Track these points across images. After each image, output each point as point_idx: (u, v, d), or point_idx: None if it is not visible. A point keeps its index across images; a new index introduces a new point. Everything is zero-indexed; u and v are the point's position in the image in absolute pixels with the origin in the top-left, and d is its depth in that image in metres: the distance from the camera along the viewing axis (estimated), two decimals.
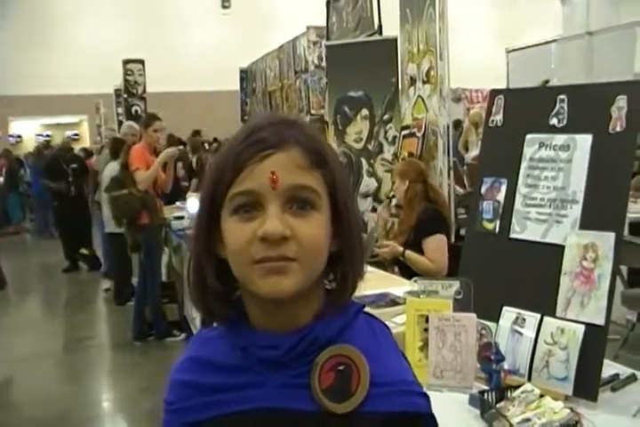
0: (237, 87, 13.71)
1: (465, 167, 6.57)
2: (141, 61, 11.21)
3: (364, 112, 5.23)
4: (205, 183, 0.84)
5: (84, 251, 8.74)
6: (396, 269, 3.67)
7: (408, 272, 3.39)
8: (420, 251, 3.47)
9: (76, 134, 17.45)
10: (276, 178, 0.77)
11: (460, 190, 5.68)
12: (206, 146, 11.59)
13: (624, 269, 4.16)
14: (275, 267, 0.77)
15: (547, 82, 7.88)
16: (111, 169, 6.33)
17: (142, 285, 5.47)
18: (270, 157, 0.78)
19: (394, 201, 4.55)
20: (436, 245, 3.46)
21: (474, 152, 6.35)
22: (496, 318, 1.97)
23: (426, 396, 0.85)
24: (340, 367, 0.81)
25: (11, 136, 17.41)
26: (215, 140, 12.45)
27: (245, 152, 0.79)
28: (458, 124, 8.68)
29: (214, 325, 0.89)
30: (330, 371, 0.81)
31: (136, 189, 5.10)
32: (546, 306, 1.87)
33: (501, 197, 2.17)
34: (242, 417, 0.82)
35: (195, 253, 0.85)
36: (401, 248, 3.48)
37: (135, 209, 5.13)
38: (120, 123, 10.57)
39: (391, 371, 0.84)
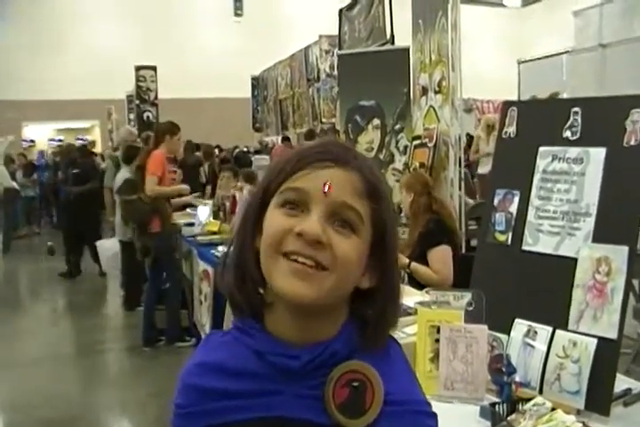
0: (249, 95, 13.79)
1: (475, 179, 6.57)
2: (153, 68, 11.31)
3: (376, 122, 5.24)
4: (263, 176, 0.88)
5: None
6: (406, 279, 3.67)
7: (418, 283, 3.38)
8: (427, 263, 3.47)
9: (84, 139, 17.55)
10: (331, 187, 0.81)
11: (471, 201, 5.67)
12: (217, 152, 11.61)
13: (635, 283, 4.14)
14: (303, 271, 0.79)
15: (556, 95, 7.88)
16: (123, 175, 6.38)
17: (152, 290, 5.49)
18: (331, 168, 0.82)
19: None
20: (440, 257, 3.46)
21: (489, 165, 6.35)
22: (507, 330, 1.97)
23: (435, 416, 0.87)
24: (355, 383, 0.82)
25: (24, 140, 17.54)
26: (219, 148, 12.37)
27: (311, 157, 0.83)
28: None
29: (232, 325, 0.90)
30: (344, 386, 0.82)
31: (145, 195, 5.13)
32: (558, 319, 1.86)
33: (514, 208, 2.17)
34: (254, 424, 0.83)
35: (239, 239, 0.87)
36: (406, 260, 3.48)
37: (145, 215, 5.15)
38: None
39: (403, 390, 0.85)
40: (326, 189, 0.80)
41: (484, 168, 7.40)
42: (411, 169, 4.80)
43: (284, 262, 0.80)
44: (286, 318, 0.84)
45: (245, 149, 12.72)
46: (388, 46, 5.91)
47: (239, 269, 0.86)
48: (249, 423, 0.83)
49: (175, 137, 5.29)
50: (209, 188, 8.31)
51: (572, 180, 2.01)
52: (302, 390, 0.83)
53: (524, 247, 2.10)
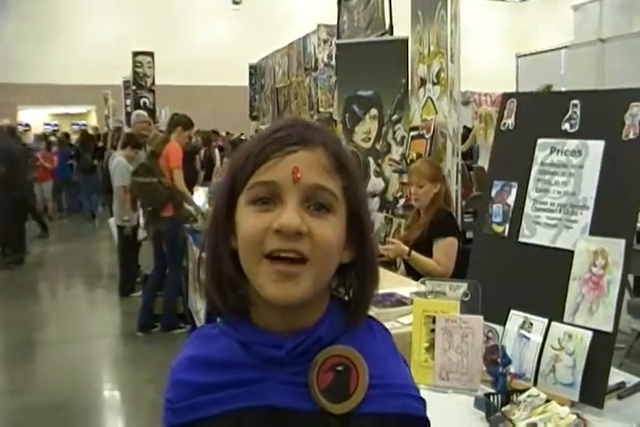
0: (246, 83, 13.70)
1: (471, 172, 6.55)
2: (151, 54, 11.23)
3: (373, 112, 5.22)
4: (226, 171, 0.85)
5: None
6: (402, 267, 3.64)
7: (416, 273, 3.36)
8: (428, 252, 3.41)
9: (85, 124, 17.52)
10: (299, 173, 0.78)
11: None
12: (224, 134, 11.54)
13: (630, 277, 4.15)
14: (286, 270, 0.77)
15: (549, 87, 7.84)
16: (119, 159, 6.39)
17: (156, 276, 5.49)
18: (296, 152, 0.79)
19: (401, 201, 4.55)
20: (447, 248, 3.39)
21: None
22: (503, 322, 1.97)
23: (422, 400, 0.86)
24: (339, 368, 0.81)
25: (19, 125, 17.44)
26: (226, 133, 12.27)
27: (272, 145, 0.80)
28: None
29: (218, 319, 0.89)
30: (329, 371, 0.81)
31: (165, 179, 5.15)
32: (554, 311, 1.87)
33: (511, 200, 2.17)
34: (242, 414, 0.82)
35: (211, 241, 0.85)
36: (406, 248, 3.40)
37: (162, 198, 5.17)
38: (128, 114, 10.60)
39: (390, 374, 0.85)
40: (296, 176, 0.78)
41: (483, 160, 7.38)
42: (408, 160, 4.78)
43: (268, 267, 0.77)
44: (271, 312, 0.82)
45: (243, 137, 12.69)
46: (387, 37, 5.87)
47: (214, 271, 0.84)
48: (237, 414, 0.82)
49: (186, 132, 5.36)
50: (202, 174, 8.32)
51: (569, 172, 2.01)
52: (287, 376, 0.82)
53: (521, 239, 2.09)
